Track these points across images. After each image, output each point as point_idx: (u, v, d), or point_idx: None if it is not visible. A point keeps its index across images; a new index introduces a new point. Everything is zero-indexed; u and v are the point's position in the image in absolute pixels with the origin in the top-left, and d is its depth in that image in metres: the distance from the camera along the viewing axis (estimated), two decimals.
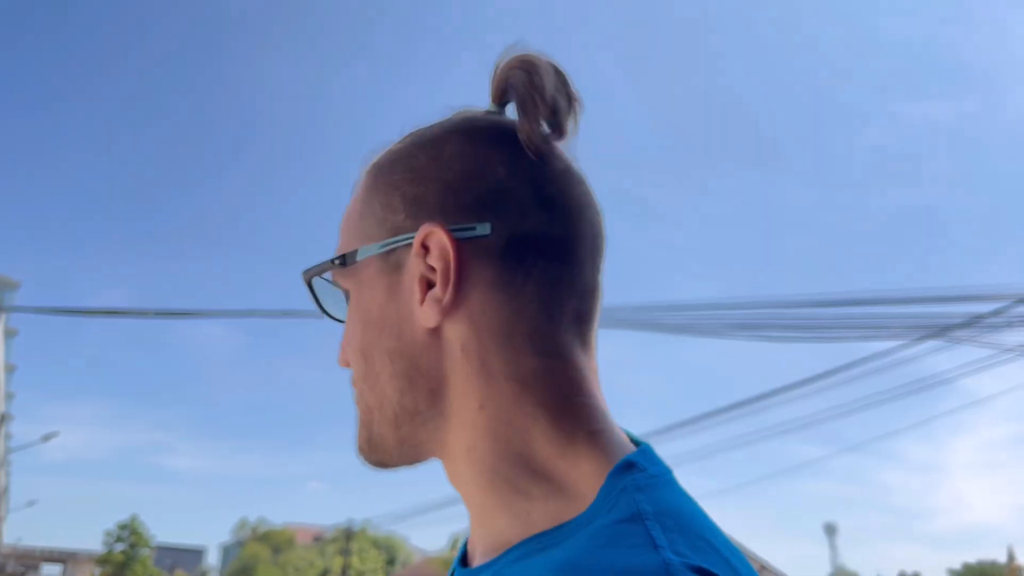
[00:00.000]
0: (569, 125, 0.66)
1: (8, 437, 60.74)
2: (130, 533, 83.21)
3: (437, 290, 0.62)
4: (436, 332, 0.62)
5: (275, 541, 74.47)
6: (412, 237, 0.63)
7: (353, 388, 0.68)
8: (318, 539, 67.54)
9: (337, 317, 0.71)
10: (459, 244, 0.61)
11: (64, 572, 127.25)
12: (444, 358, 0.62)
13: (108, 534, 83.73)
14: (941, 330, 10.17)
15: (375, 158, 0.70)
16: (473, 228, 0.62)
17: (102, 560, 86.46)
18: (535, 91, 0.64)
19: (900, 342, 10.73)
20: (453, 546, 30.31)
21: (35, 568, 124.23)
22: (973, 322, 9.90)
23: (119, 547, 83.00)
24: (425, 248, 0.62)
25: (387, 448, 0.66)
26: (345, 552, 34.67)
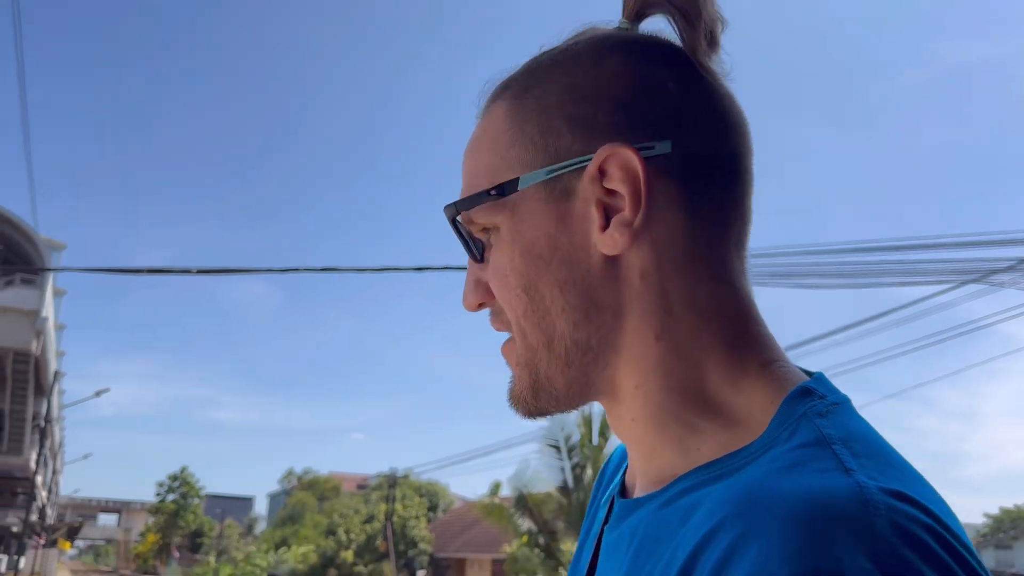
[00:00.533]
0: (720, 40, 0.63)
1: (61, 393, 62.93)
2: (181, 483, 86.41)
3: (627, 214, 0.58)
4: (614, 260, 0.59)
5: (321, 489, 76.83)
6: (585, 160, 0.59)
7: (507, 331, 0.64)
8: (362, 487, 69.43)
9: (477, 257, 0.65)
10: (646, 164, 0.58)
11: (119, 521, 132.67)
12: (622, 288, 0.59)
13: (160, 484, 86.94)
14: (982, 275, 10.04)
15: (507, 82, 0.65)
16: (652, 147, 0.59)
17: (155, 509, 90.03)
18: (695, 3, 0.60)
19: (939, 288, 10.64)
20: (494, 492, 30.80)
21: (92, 517, 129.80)
22: (1016, 266, 9.76)
23: (171, 497, 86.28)
24: (602, 171, 0.59)
25: (555, 392, 0.62)
26: (389, 499, 35.58)
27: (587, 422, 15.58)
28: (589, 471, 15.48)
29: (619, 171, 0.58)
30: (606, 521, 0.68)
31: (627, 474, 0.70)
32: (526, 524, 16.19)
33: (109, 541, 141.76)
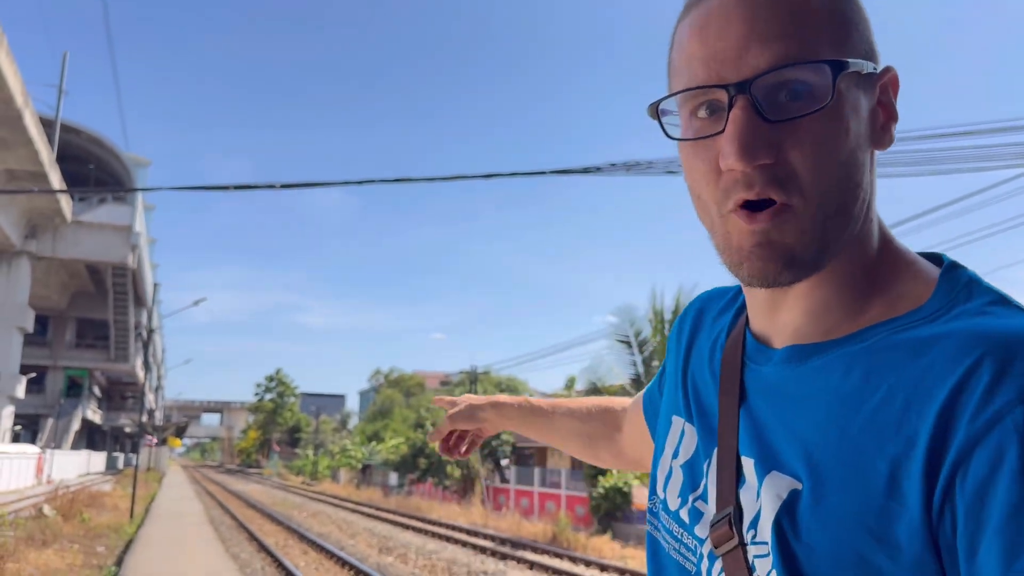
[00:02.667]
0: None
1: (159, 304, 66.54)
2: (277, 384, 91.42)
3: (894, 122, 0.73)
4: (871, 156, 0.72)
5: (406, 386, 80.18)
6: (882, 68, 0.73)
7: (780, 196, 0.67)
8: (444, 383, 72.09)
9: (795, 114, 0.67)
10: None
11: (222, 420, 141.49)
12: (872, 178, 0.72)
13: (258, 385, 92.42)
14: None
15: None
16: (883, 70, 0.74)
17: (254, 408, 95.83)
18: None
19: (1015, 172, 10.41)
20: (569, 386, 31.84)
21: (196, 418, 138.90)
22: None
23: (268, 396, 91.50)
24: (885, 83, 0.73)
25: (828, 255, 0.70)
26: (471, 391, 37.11)
27: (657, 317, 15.97)
28: (657, 363, 15.95)
29: (893, 88, 0.73)
30: (738, 364, 0.81)
31: (755, 328, 0.81)
32: None
33: (214, 438, 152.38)
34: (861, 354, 0.68)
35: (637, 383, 16.31)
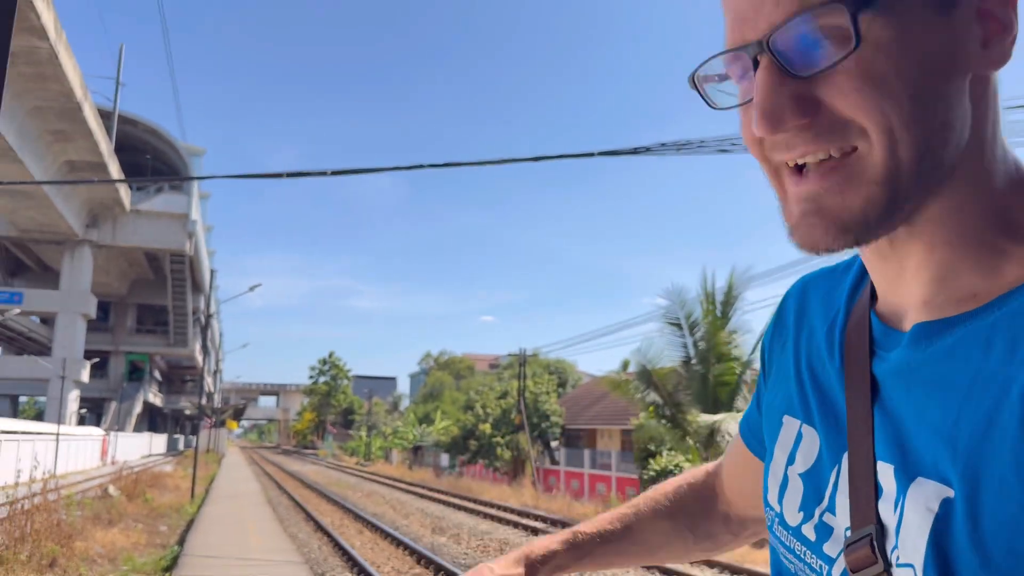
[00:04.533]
0: None
1: (215, 289, 68.10)
2: (330, 367, 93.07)
3: (1015, 29, 0.59)
4: (979, 79, 0.60)
5: (456, 368, 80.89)
6: None
7: (826, 150, 0.60)
8: (494, 366, 72.52)
9: (825, 63, 0.59)
10: None
11: (278, 402, 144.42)
12: (978, 108, 0.59)
13: (312, 368, 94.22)
14: None
15: None
16: None
17: (308, 390, 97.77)
18: None
19: None
20: (623, 368, 31.62)
21: (254, 400, 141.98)
22: None
23: (322, 379, 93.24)
24: None
25: (903, 211, 0.59)
26: (520, 376, 37.25)
27: (708, 299, 15.77)
28: (705, 345, 15.77)
29: None
30: (865, 351, 0.69)
31: (881, 304, 0.70)
32: (651, 397, 16.82)
33: (270, 420, 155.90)
34: (1003, 322, 0.56)
35: (687, 365, 16.16)
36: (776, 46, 0.59)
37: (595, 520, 1.02)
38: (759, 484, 0.88)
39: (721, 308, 15.77)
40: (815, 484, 0.71)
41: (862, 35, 0.56)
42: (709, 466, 1.07)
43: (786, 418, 0.78)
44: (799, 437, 0.74)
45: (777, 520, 0.76)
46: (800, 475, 0.73)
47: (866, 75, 0.57)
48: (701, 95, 0.68)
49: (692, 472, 1.08)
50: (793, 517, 0.73)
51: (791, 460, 0.75)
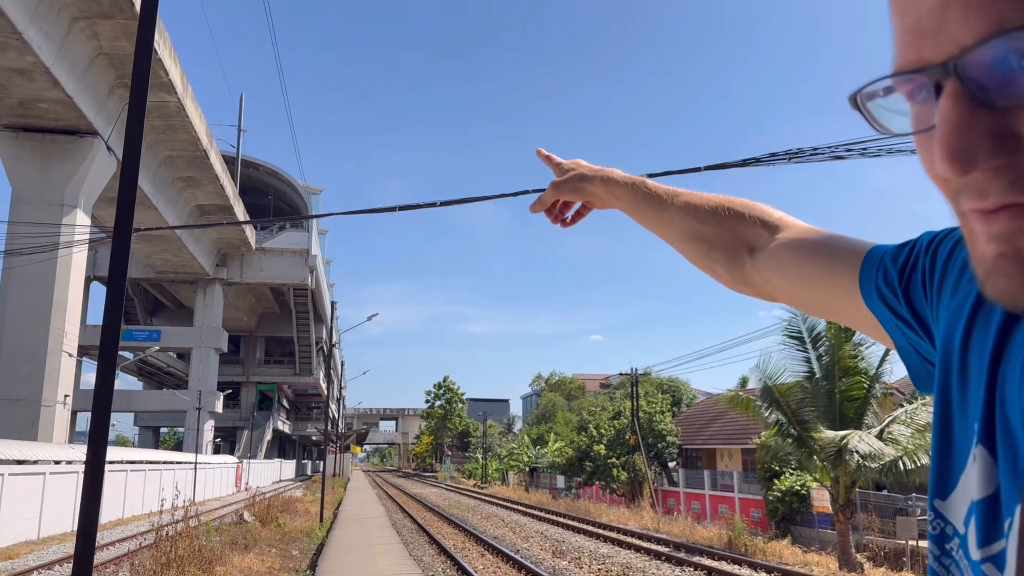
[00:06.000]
0: None
1: (336, 320, 70.68)
2: (445, 390, 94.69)
3: None
4: None
5: (567, 389, 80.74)
6: None
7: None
8: (605, 386, 71.89)
9: (899, 132, 0.53)
10: None
11: (397, 426, 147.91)
12: None
13: (427, 392, 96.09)
14: None
15: None
16: None
17: (425, 414, 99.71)
18: None
19: None
20: (742, 384, 30.76)
21: (375, 425, 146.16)
22: None
23: (438, 403, 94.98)
24: None
25: None
26: (633, 396, 36.78)
27: None
28: (842, 360, 15.10)
29: None
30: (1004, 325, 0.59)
31: None
32: (774, 415, 16.23)
33: (390, 444, 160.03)
34: None
35: (811, 380, 15.50)
36: (967, 71, 0.47)
37: (661, 186, 1.13)
38: (800, 288, 0.91)
39: None
40: (986, 522, 0.58)
41: None
42: (780, 217, 1.01)
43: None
44: (970, 456, 0.61)
45: (960, 544, 0.61)
46: (973, 504, 0.59)
47: None
48: (866, 117, 0.56)
49: (750, 208, 1.04)
50: (976, 551, 0.58)
51: (962, 467, 0.61)
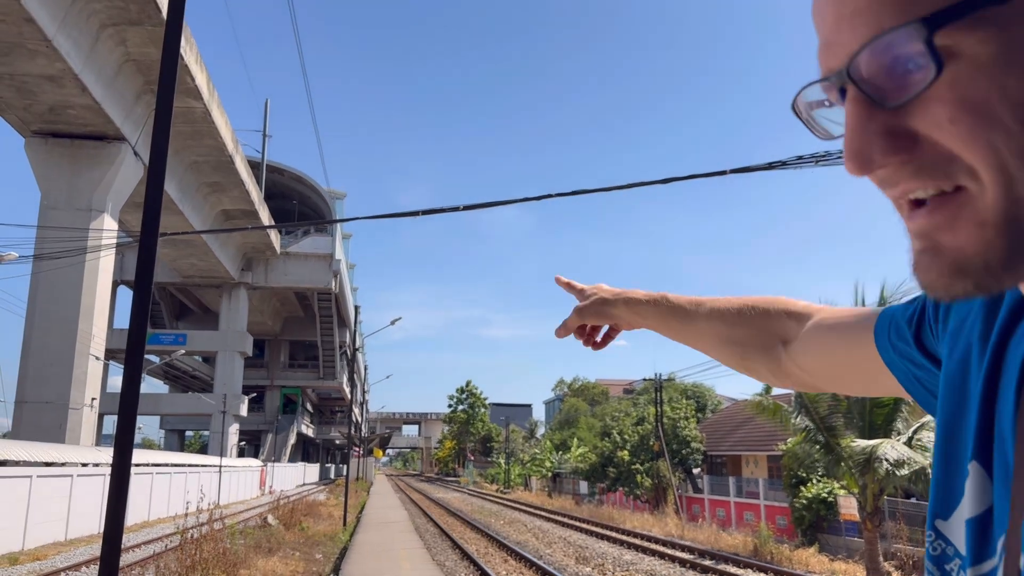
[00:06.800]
0: None
1: (359, 324, 71.01)
2: (468, 395, 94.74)
3: None
4: None
5: (590, 394, 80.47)
6: None
7: (938, 186, 0.50)
8: (628, 391, 71.57)
9: (913, 91, 0.49)
10: None
11: (420, 430, 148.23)
12: None
13: (450, 397, 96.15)
14: None
15: None
16: None
17: (448, 419, 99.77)
18: None
19: None
20: (768, 390, 30.32)
21: (397, 429, 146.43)
22: None
23: (461, 407, 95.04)
24: None
25: None
26: (657, 401, 36.52)
27: None
28: None
29: None
30: None
31: None
32: (803, 421, 16.01)
33: (413, 448, 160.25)
34: None
35: None
36: (857, 75, 0.50)
37: (684, 298, 1.15)
38: (836, 368, 0.93)
39: None
40: (977, 539, 0.59)
41: (957, 53, 0.46)
42: (806, 307, 1.03)
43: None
44: (965, 472, 0.62)
45: (962, 566, 0.61)
46: (966, 521, 0.60)
47: (963, 102, 0.47)
48: (804, 123, 0.59)
49: (777, 303, 1.05)
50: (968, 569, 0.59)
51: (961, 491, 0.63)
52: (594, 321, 1.24)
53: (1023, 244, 0.47)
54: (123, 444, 5.01)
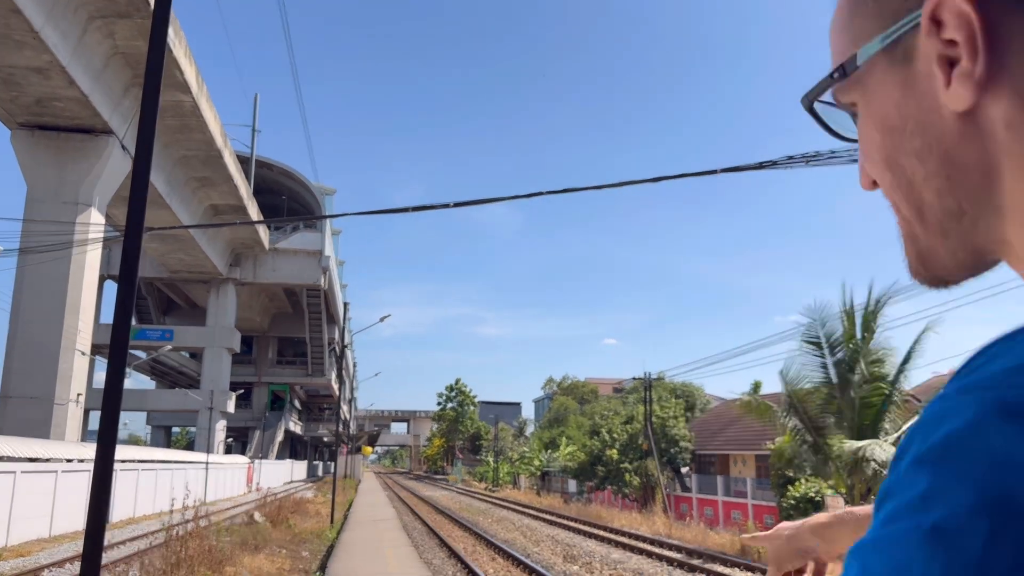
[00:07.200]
0: None
1: (348, 321, 70.77)
2: (457, 393, 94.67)
3: (964, 64, 0.51)
4: (970, 116, 0.52)
5: (579, 393, 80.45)
6: (917, 17, 0.53)
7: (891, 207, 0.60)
8: (618, 390, 71.61)
9: (848, 137, 0.63)
10: (980, 3, 0.50)
11: (408, 428, 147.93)
12: (987, 143, 0.52)
13: (439, 395, 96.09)
14: None
15: None
16: None
17: (437, 417, 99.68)
18: None
19: None
20: (755, 390, 30.40)
21: (386, 427, 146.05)
22: None
23: (450, 405, 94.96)
24: (937, 23, 0.51)
25: (940, 262, 0.57)
26: (646, 400, 36.55)
27: (849, 317, 14.92)
28: (860, 366, 14.89)
29: (952, 18, 0.50)
30: None
31: None
32: (792, 421, 16.04)
33: (402, 446, 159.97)
34: None
35: (829, 386, 15.30)
36: (820, 119, 0.61)
37: (867, 507, 1.04)
38: None
39: (862, 326, 14.87)
40: None
41: (855, 106, 0.57)
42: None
43: None
44: None
45: None
46: None
47: (860, 147, 0.59)
48: (817, 120, 0.65)
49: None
50: None
51: None
52: (795, 563, 1.12)
53: (926, 255, 0.57)
54: (106, 439, 4.93)
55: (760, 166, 12.20)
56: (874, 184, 0.60)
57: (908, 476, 0.44)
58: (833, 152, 11.60)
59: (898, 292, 14.58)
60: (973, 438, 0.42)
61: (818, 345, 15.05)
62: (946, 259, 0.56)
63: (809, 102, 0.61)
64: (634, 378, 42.02)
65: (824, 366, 15.11)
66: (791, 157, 11.99)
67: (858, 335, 14.85)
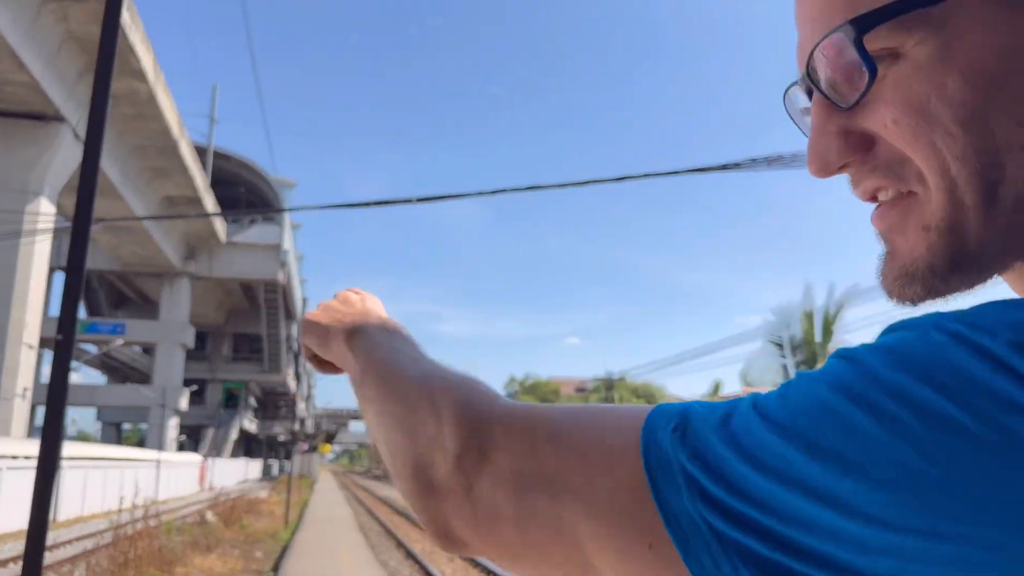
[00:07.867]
0: None
1: None
2: None
3: None
4: None
5: (542, 393, 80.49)
6: None
7: (893, 187, 0.49)
8: (580, 390, 71.90)
9: (859, 92, 0.48)
10: None
11: (367, 427, 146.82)
12: None
13: None
14: None
15: None
16: None
17: None
18: None
19: None
20: (715, 390, 30.74)
21: (344, 425, 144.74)
22: None
23: None
24: None
25: (983, 262, 0.46)
26: (607, 400, 36.72)
27: (809, 319, 15.11)
28: (807, 367, 15.08)
29: None
30: None
31: None
32: None
33: (361, 445, 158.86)
34: None
35: None
36: (815, 76, 0.50)
37: None
38: None
39: (822, 327, 15.07)
40: None
41: (901, 54, 0.46)
42: None
43: None
44: None
45: None
46: None
47: (905, 103, 0.46)
48: (795, 123, 0.60)
49: None
50: None
51: None
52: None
53: (967, 248, 0.46)
54: (51, 435, 4.69)
55: (724, 167, 12.25)
56: (843, 167, 0.51)
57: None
58: (795, 154, 11.71)
59: (863, 293, 14.82)
60: (870, 348, 0.40)
61: (780, 346, 15.23)
62: (994, 257, 0.46)
63: (858, 31, 0.46)
64: (596, 378, 42.24)
65: (784, 367, 15.30)
66: (754, 159, 12.07)
67: (818, 337, 15.06)
